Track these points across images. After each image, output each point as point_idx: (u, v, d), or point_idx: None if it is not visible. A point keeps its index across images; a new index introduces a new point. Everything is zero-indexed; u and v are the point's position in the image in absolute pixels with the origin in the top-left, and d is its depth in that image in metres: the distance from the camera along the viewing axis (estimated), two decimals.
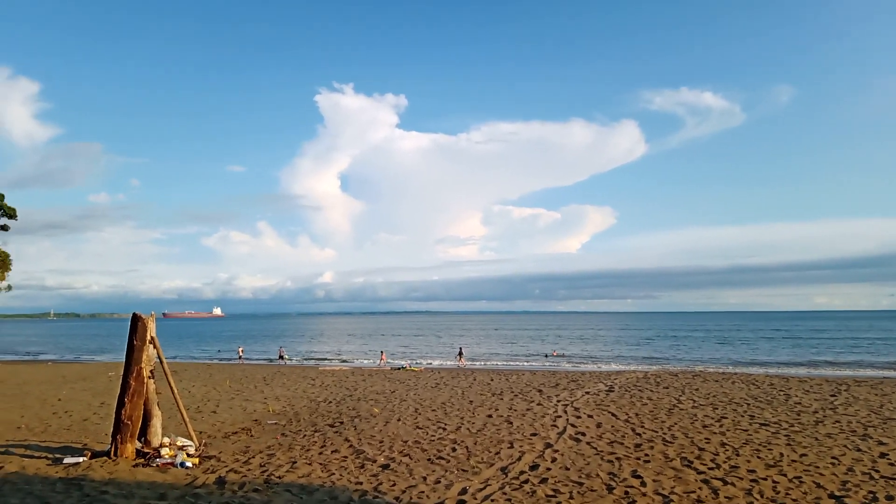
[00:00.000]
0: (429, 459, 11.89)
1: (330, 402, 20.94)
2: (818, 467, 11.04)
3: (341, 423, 16.41)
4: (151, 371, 12.27)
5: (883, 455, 12.00)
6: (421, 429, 15.30)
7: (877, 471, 10.77)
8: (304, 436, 14.52)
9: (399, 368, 37.97)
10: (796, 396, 21.05)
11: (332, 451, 12.61)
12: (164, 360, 12.65)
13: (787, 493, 9.39)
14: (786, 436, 14.01)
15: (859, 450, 12.51)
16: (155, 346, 12.36)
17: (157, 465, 11.16)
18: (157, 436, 12.22)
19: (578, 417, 16.81)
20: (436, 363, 46.38)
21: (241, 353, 53.12)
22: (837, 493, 9.38)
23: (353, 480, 10.27)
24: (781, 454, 12.11)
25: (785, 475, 10.49)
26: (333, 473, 10.75)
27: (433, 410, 18.43)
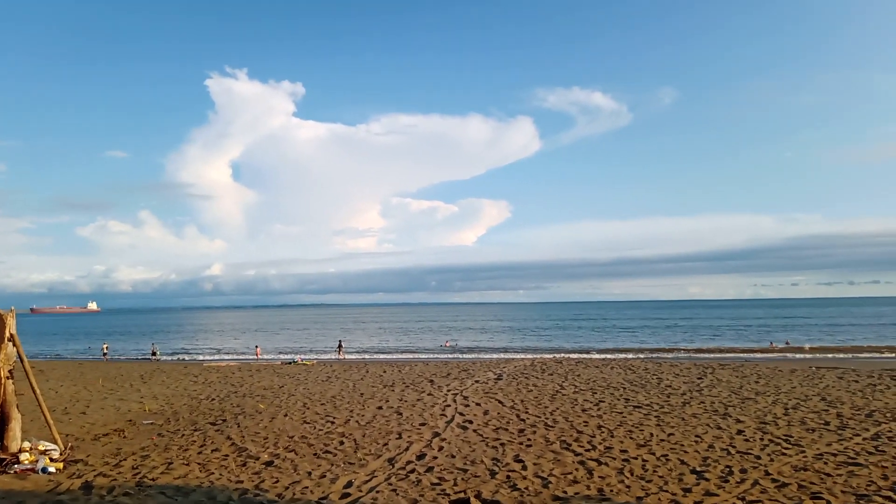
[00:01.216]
0: (315, 454, 11.71)
1: (213, 399, 20.13)
2: (683, 445, 11.89)
3: (224, 420, 15.82)
4: (10, 371, 11.27)
5: (740, 432, 13.09)
6: (309, 423, 15.05)
7: (734, 447, 11.73)
8: (183, 435, 13.87)
9: (290, 362, 37.12)
10: (667, 380, 22.54)
11: (212, 451, 12.14)
12: (25, 359, 11.64)
13: (655, 471, 10.04)
14: (656, 417, 14.99)
15: (720, 428, 13.58)
16: (15, 344, 11.36)
17: (16, 472, 10.28)
18: (15, 440, 11.24)
19: (467, 406, 17.14)
20: (328, 357, 45.76)
21: (105, 350, 49.06)
22: (699, 469, 10.14)
23: (233, 479, 9.93)
24: (651, 434, 12.94)
25: (654, 454, 11.22)
26: (213, 473, 10.34)
27: (322, 404, 18.17)
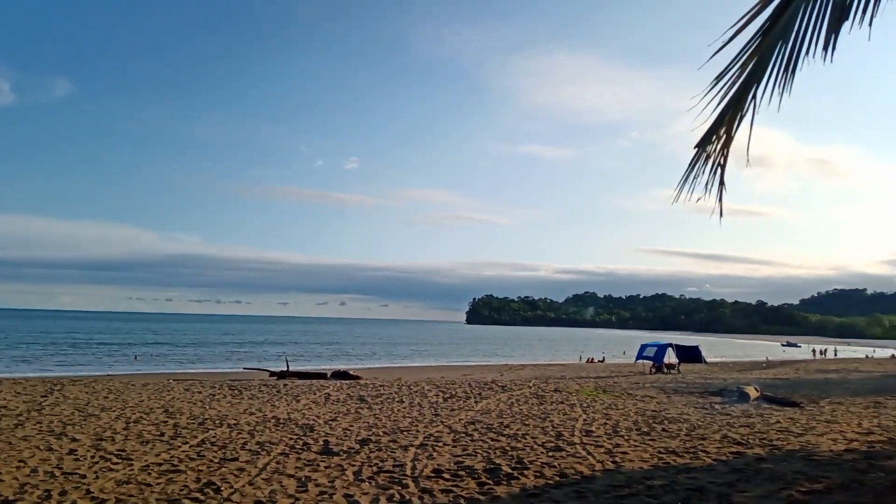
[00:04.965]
0: None
1: None
2: (1, 473, 10.66)
3: None
4: None
5: (72, 451, 12.57)
6: None
7: (61, 468, 11.16)
8: None
9: None
10: (4, 399, 19.97)
11: None
12: None
13: None
14: None
15: (51, 449, 12.75)
16: None
17: None
18: None
19: None
20: None
21: None
22: (13, 498, 9.24)
23: None
24: None
25: None
26: None
27: None
